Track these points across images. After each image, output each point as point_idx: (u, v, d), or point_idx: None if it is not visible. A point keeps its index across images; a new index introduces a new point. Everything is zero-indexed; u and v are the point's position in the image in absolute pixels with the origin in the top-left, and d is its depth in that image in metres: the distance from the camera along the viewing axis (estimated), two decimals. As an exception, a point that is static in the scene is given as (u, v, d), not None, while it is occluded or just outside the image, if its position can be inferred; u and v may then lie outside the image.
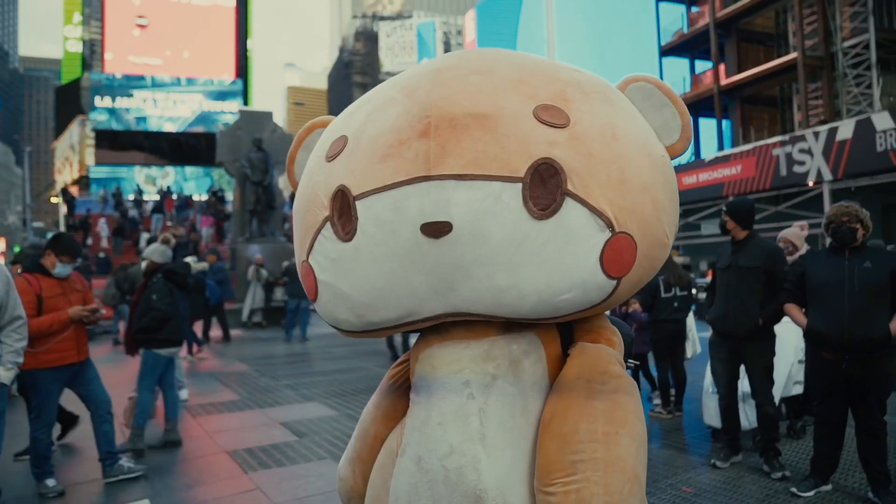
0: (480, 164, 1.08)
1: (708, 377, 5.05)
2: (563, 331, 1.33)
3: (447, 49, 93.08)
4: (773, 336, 4.31)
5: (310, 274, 1.28)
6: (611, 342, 1.31)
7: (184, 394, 7.24)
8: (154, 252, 5.58)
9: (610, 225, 1.12)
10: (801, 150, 18.81)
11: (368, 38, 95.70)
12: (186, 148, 51.88)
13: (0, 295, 3.18)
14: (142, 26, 53.87)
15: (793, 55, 21.53)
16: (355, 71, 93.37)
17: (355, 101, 1.40)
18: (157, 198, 31.81)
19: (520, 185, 1.08)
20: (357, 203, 1.15)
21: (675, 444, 5.04)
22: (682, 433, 5.37)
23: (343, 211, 1.18)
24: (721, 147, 24.27)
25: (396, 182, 1.11)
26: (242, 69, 59.68)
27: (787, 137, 19.64)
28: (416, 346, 1.37)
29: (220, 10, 57.61)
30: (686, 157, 27.00)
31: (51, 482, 4.26)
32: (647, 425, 4.90)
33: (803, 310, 3.94)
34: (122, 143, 50.05)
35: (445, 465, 1.21)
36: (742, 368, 4.38)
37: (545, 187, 1.09)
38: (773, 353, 4.32)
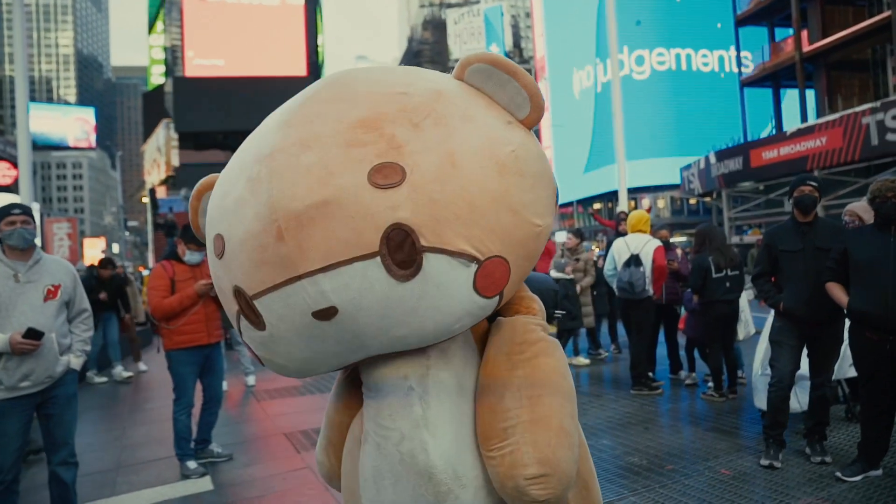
0: (336, 252, 1.14)
1: (758, 359, 4.94)
2: None
3: (515, 32, 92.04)
4: (844, 318, 4.03)
5: (249, 348, 1.41)
6: (531, 309, 1.42)
7: (251, 380, 7.76)
8: None
9: (473, 258, 1.19)
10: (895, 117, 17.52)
11: (436, 27, 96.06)
12: (263, 145, 53.98)
13: (69, 290, 3.55)
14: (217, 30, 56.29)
15: (887, 13, 20.04)
16: (424, 60, 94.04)
17: (223, 172, 1.42)
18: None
19: (378, 258, 1.15)
20: (255, 302, 1.25)
21: (720, 427, 4.96)
22: (730, 416, 5.27)
23: (247, 308, 1.28)
24: (805, 119, 22.92)
25: (277, 284, 1.19)
26: (314, 65, 61.34)
27: (878, 104, 18.32)
28: None
29: (290, 9, 59.44)
30: (766, 132, 25.71)
31: (191, 464, 4.58)
32: (698, 409, 4.79)
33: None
34: (203, 142, 52.79)
35: (400, 450, 1.35)
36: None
37: (403, 250, 1.15)
38: (843, 336, 4.13)
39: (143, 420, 6.46)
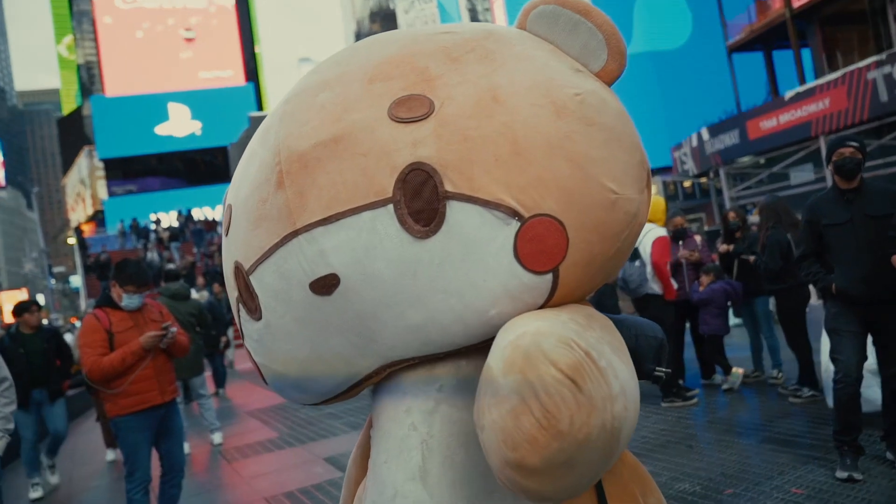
0: (342, 199, 1.03)
1: (824, 353, 4.75)
2: None
3: (473, 17, 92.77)
4: None
5: (251, 357, 1.29)
6: None
7: (218, 437, 7.35)
8: None
9: (514, 213, 1.02)
10: (904, 69, 17.80)
11: (385, 18, 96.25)
12: (203, 165, 53.35)
13: (-16, 356, 3.23)
14: (139, 40, 55.57)
15: (880, -42, 20.45)
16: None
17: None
18: (177, 224, 32.75)
19: (391, 206, 1.01)
20: (251, 278, 1.15)
21: (776, 437, 4.76)
22: (783, 421, 5.08)
23: (244, 289, 1.18)
24: (802, 81, 23.24)
25: (272, 246, 1.09)
26: (252, 72, 61.01)
27: (884, 56, 18.59)
28: None
29: (219, 11, 58.98)
30: (760, 99, 26.06)
31: None
32: (743, 417, 4.53)
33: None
34: (134, 169, 51.88)
35: None
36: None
37: (422, 197, 1.01)
38: None
39: (89, 501, 6.05)
